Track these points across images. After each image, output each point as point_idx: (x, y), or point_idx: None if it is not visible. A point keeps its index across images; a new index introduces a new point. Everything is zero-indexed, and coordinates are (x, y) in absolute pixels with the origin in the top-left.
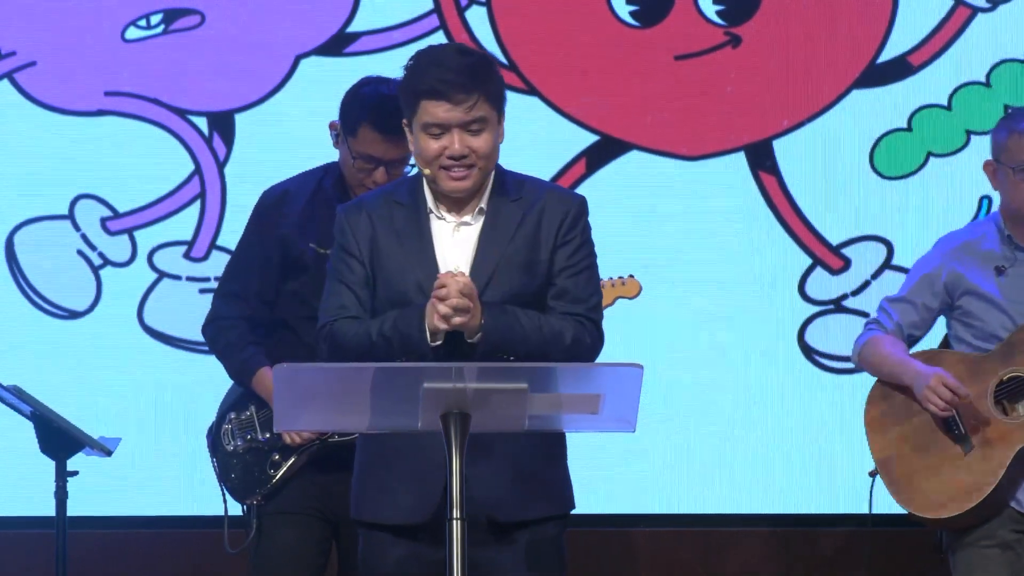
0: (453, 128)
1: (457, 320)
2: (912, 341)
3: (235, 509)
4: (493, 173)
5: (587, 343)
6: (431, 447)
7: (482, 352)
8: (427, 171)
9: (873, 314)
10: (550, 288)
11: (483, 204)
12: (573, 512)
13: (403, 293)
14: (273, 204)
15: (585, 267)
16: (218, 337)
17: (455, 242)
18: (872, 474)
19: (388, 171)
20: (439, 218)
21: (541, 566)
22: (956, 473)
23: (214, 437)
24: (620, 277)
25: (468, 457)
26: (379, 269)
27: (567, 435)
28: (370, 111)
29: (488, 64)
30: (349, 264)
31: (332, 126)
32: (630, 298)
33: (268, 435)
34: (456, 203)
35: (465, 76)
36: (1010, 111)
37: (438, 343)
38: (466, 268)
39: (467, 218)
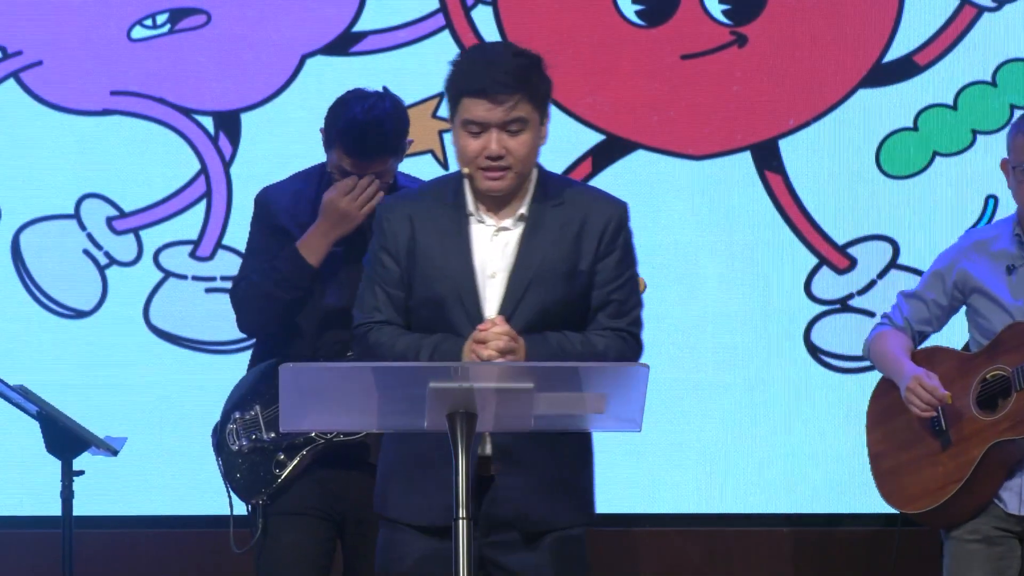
0: (492, 127)
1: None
2: (923, 337)
3: (240, 508)
4: (535, 176)
5: (630, 359)
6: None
7: None
8: (466, 170)
9: (888, 308)
10: (592, 296)
11: (524, 210)
12: None
13: (439, 297)
14: (273, 203)
15: (628, 278)
16: (240, 296)
17: (494, 247)
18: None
19: None
20: (479, 221)
21: (565, 568)
22: (932, 468)
23: (219, 437)
24: None
25: (497, 463)
26: (418, 268)
27: (594, 439)
28: (342, 135)
29: (535, 65)
30: (384, 263)
31: (322, 131)
32: None
33: (273, 435)
34: (497, 206)
35: (508, 76)
36: None
37: None
38: (504, 274)
39: (507, 223)
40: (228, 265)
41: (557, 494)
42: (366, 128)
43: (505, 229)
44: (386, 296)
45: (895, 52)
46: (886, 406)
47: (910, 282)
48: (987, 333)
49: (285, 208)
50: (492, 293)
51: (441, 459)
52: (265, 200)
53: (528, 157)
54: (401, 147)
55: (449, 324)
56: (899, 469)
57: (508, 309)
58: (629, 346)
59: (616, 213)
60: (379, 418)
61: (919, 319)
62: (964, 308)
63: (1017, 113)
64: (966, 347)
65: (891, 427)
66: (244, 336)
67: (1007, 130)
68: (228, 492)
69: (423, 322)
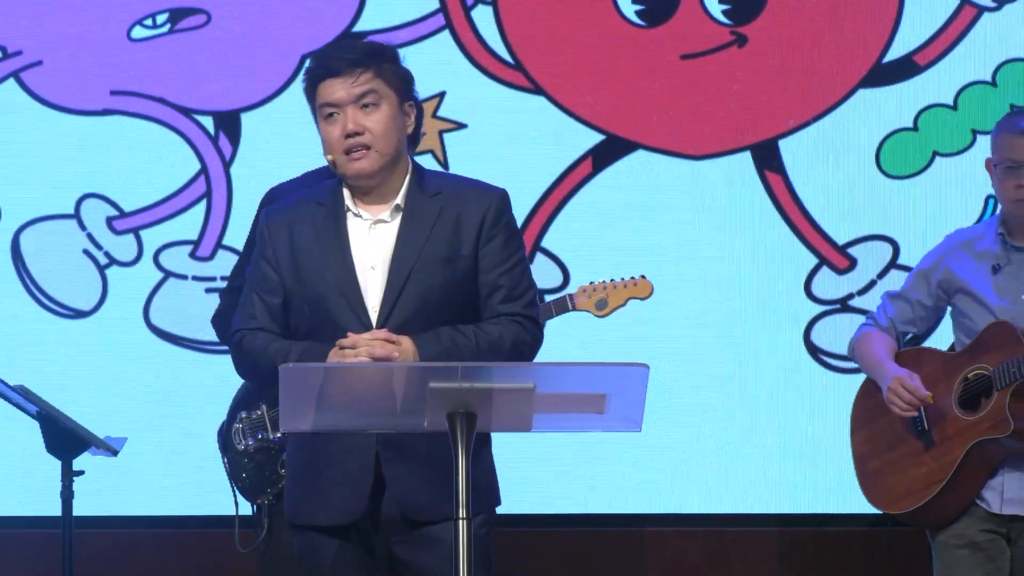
0: (347, 106)
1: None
2: (907, 338)
3: (245, 507)
4: (410, 169)
5: (527, 342)
6: (359, 451)
7: None
8: (329, 157)
9: (874, 308)
10: (480, 284)
11: (399, 201)
12: (581, 512)
13: (321, 294)
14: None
15: (516, 261)
16: (227, 327)
17: (371, 240)
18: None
19: None
20: (356, 216)
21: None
22: (916, 469)
23: (224, 436)
24: (632, 278)
25: (386, 460)
26: (300, 271)
27: (492, 436)
28: None
29: (382, 47)
30: (263, 271)
31: None
32: (642, 299)
33: (279, 434)
34: (371, 198)
35: (354, 53)
36: (1013, 109)
37: None
38: (384, 265)
39: (383, 215)
40: (228, 265)
41: (448, 485)
42: None
43: (382, 221)
44: (263, 304)
45: (895, 52)
46: (870, 407)
47: None
48: (972, 333)
49: None
50: (373, 285)
51: (337, 460)
52: (272, 200)
53: (387, 134)
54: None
55: (333, 319)
56: (883, 470)
57: (390, 300)
58: (527, 329)
59: (494, 200)
60: (379, 418)
61: (903, 319)
62: (949, 309)
63: None
64: (951, 348)
65: (875, 428)
66: None
67: (992, 129)
68: (233, 491)
69: (307, 321)
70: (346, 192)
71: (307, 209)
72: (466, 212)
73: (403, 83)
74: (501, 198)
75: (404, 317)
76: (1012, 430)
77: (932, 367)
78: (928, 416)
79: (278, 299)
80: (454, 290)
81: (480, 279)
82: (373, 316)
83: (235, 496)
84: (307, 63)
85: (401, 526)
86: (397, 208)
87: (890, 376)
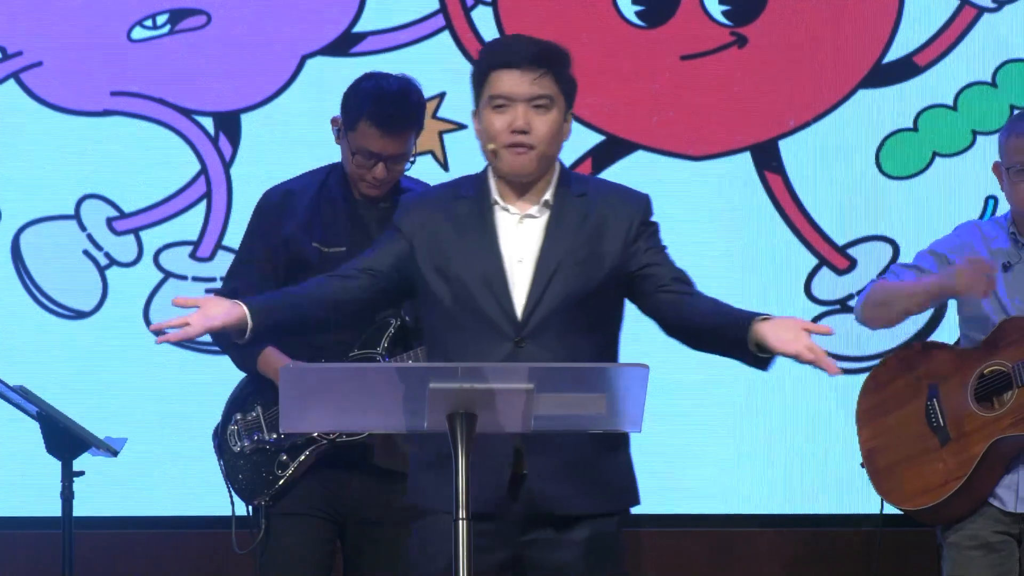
0: (519, 102)
1: None
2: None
3: (241, 508)
4: (557, 168)
5: None
6: (498, 442)
7: None
8: (491, 146)
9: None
10: (645, 274)
11: (548, 197)
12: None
13: (465, 284)
14: (276, 203)
15: (667, 252)
16: None
17: (519, 234)
18: (863, 466)
19: (387, 167)
20: (504, 209)
21: (599, 562)
22: (932, 465)
23: (220, 439)
24: None
25: (527, 449)
26: (440, 258)
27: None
28: (370, 105)
29: (561, 50)
30: (391, 237)
31: (334, 122)
32: None
33: (275, 435)
34: (521, 194)
35: (536, 50)
36: (1016, 113)
37: None
38: (531, 261)
39: (532, 210)
40: (228, 266)
41: (587, 478)
42: (395, 96)
43: (531, 216)
44: (364, 263)
45: (895, 53)
46: (878, 402)
47: None
48: (980, 328)
49: (295, 218)
50: (520, 278)
51: (476, 452)
52: (269, 201)
53: (551, 139)
54: (421, 123)
55: (479, 309)
56: (897, 466)
57: (536, 294)
58: None
59: (642, 203)
60: (379, 418)
61: None
62: (955, 304)
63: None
64: (956, 343)
65: (886, 423)
66: None
67: (998, 134)
68: (230, 493)
69: (448, 310)
70: (493, 185)
71: (449, 202)
72: (614, 216)
73: (570, 90)
74: (647, 201)
75: (548, 312)
76: None
77: (942, 361)
78: (944, 411)
79: (390, 261)
80: (596, 290)
81: (646, 271)
82: (519, 309)
83: (231, 498)
84: (482, 51)
85: (533, 524)
86: (546, 204)
87: (951, 271)
